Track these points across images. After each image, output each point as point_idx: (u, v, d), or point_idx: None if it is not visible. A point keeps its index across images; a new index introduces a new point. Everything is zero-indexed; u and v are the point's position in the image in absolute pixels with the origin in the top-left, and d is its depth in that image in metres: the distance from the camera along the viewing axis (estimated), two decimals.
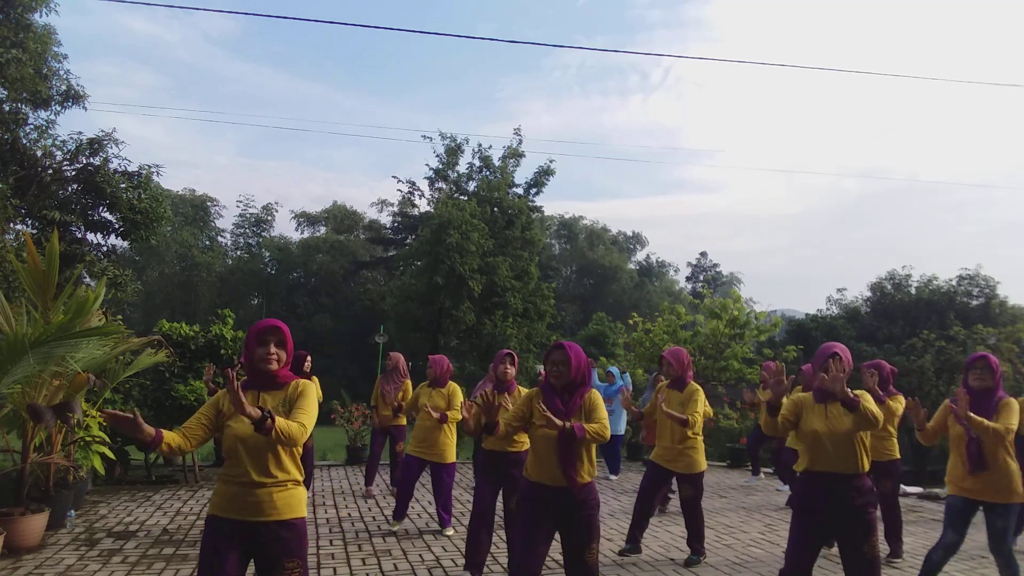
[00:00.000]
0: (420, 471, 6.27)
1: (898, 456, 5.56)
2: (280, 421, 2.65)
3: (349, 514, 7.07)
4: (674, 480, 5.74)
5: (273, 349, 2.92)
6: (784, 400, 3.73)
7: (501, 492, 5.13)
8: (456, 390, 6.29)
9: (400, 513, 6.41)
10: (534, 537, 3.48)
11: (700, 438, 5.55)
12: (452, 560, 5.46)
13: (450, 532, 6.30)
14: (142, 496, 7.88)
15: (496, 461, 5.01)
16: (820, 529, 3.62)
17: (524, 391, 5.11)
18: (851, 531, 3.49)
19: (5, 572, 4.99)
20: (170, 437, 2.79)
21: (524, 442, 4.90)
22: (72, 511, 6.44)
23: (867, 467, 3.57)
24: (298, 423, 2.76)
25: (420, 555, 5.60)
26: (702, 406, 5.48)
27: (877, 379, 5.36)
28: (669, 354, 5.68)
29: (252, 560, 2.88)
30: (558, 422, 3.34)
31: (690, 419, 5.28)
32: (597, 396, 3.65)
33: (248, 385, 2.95)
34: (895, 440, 5.56)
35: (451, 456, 6.18)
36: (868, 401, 3.48)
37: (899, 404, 5.32)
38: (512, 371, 5.23)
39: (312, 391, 2.99)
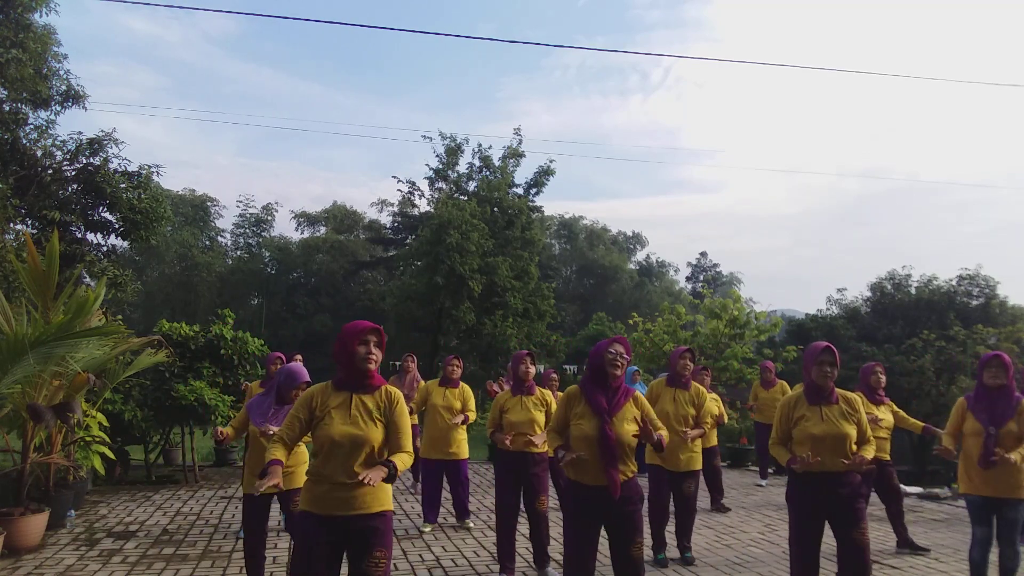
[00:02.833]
0: (442, 472, 6.44)
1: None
2: (398, 463, 2.87)
3: None
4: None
5: (373, 349, 3.00)
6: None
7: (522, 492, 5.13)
8: (469, 391, 6.60)
9: (434, 515, 6.52)
10: (583, 534, 3.48)
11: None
12: (452, 560, 5.46)
13: (471, 524, 6.52)
14: (142, 496, 7.88)
15: (518, 462, 5.03)
16: (819, 525, 3.78)
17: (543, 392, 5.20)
18: (844, 521, 3.69)
19: (5, 572, 4.99)
20: (281, 455, 2.95)
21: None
22: (72, 511, 6.45)
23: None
24: (407, 452, 2.99)
25: (420, 555, 5.60)
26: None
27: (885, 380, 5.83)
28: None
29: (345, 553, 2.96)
30: (655, 436, 3.44)
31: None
32: (642, 396, 3.68)
33: (341, 385, 3.01)
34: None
35: (466, 452, 6.52)
36: (867, 449, 3.76)
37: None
38: (532, 370, 5.24)
39: (405, 408, 3.12)
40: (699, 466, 5.54)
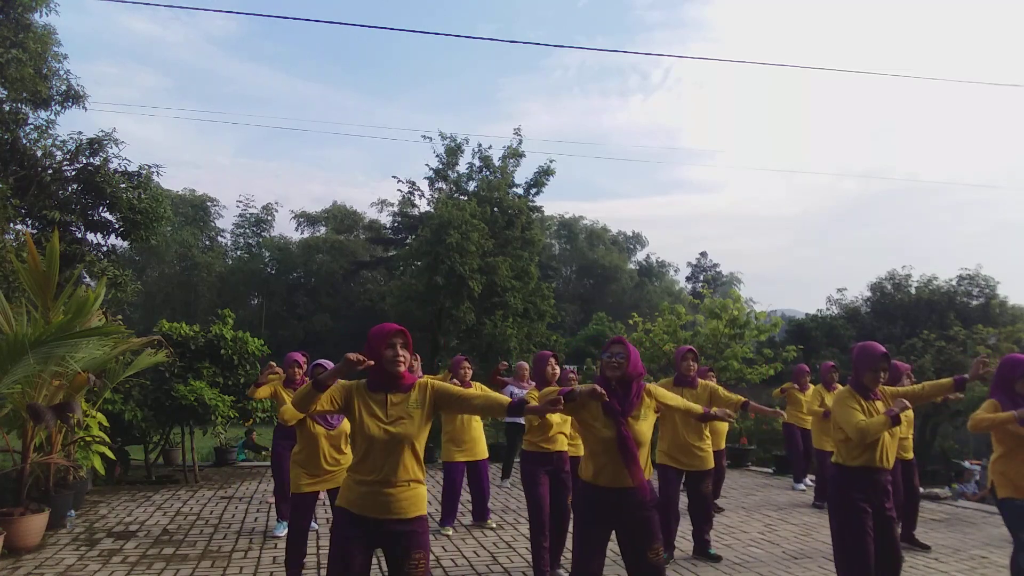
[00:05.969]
0: (464, 474, 6.56)
1: None
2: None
3: None
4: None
5: (400, 351, 3.03)
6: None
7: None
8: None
9: (453, 519, 6.58)
10: (593, 539, 3.41)
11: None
12: (452, 560, 5.47)
13: (493, 524, 6.60)
14: (142, 496, 7.88)
15: (543, 462, 5.04)
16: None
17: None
18: (883, 515, 3.81)
19: (5, 572, 4.99)
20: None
21: (562, 441, 5.11)
22: (72, 511, 6.44)
23: None
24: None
25: None
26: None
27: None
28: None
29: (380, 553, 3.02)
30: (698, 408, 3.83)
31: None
32: (656, 387, 3.68)
33: (374, 387, 3.05)
34: None
35: (486, 452, 6.70)
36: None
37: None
38: (557, 371, 5.32)
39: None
40: (711, 465, 5.58)
